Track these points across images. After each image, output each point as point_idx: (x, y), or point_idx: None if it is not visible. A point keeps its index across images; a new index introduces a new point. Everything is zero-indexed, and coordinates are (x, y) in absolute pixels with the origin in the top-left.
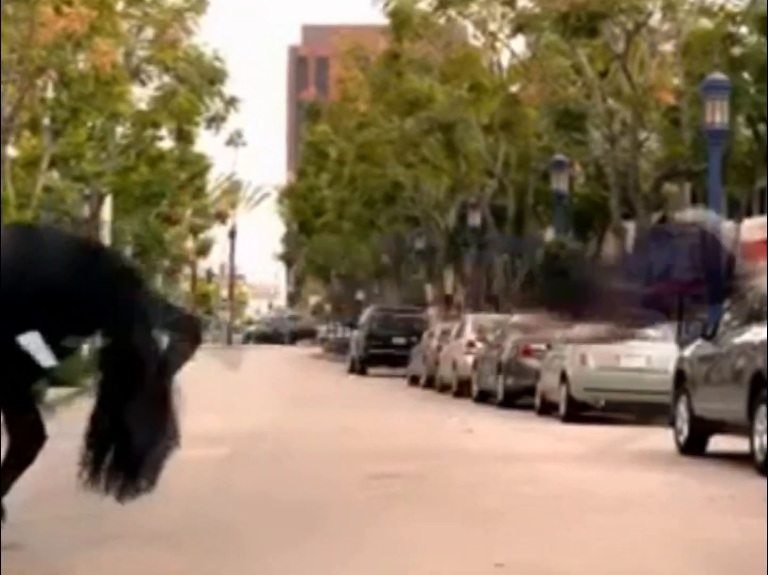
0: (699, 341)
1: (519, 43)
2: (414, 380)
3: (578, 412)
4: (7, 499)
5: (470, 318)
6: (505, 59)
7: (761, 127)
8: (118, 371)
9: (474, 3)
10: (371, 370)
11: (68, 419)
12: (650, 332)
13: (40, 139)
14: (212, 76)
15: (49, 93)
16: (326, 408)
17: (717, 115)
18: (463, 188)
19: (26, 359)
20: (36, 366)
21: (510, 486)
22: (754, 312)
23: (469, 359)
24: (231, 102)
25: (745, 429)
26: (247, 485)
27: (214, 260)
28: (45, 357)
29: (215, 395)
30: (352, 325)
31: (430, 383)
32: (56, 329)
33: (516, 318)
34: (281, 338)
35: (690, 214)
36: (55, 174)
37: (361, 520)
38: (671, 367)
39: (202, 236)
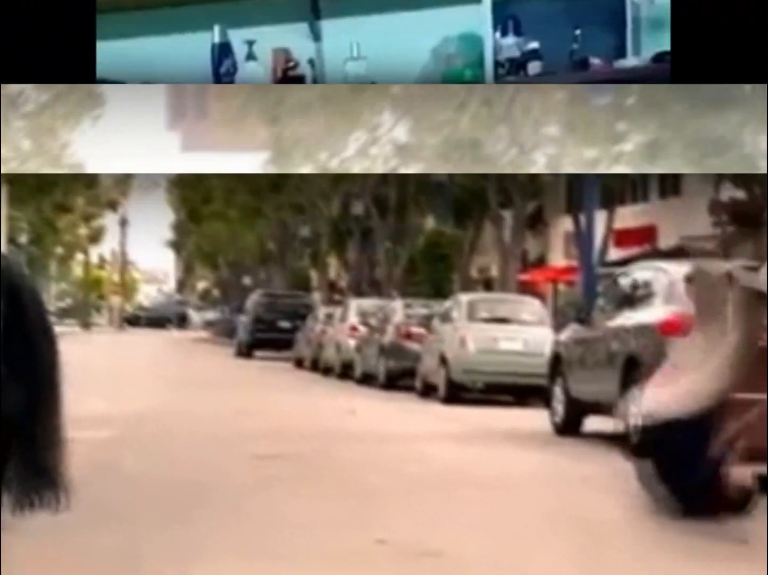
0: (574, 326)
1: None
2: (299, 363)
3: (458, 394)
4: None
5: (353, 303)
6: None
7: None
8: None
9: None
10: (257, 353)
11: None
12: (526, 316)
13: None
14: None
15: None
16: (212, 390)
17: None
18: (347, 177)
19: None
20: None
21: (392, 464)
22: (627, 297)
23: (352, 342)
24: None
25: (618, 410)
26: (133, 466)
27: (107, 247)
28: None
29: (101, 377)
30: (239, 310)
31: (315, 365)
32: None
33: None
34: (168, 323)
35: None
36: None
37: (245, 499)
38: (547, 350)
39: (94, 223)
